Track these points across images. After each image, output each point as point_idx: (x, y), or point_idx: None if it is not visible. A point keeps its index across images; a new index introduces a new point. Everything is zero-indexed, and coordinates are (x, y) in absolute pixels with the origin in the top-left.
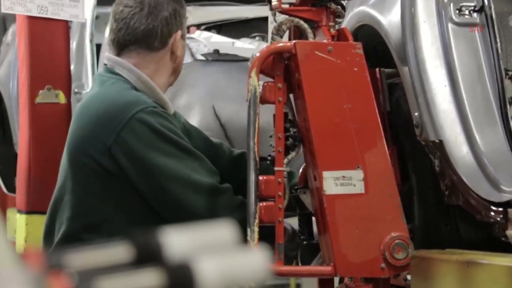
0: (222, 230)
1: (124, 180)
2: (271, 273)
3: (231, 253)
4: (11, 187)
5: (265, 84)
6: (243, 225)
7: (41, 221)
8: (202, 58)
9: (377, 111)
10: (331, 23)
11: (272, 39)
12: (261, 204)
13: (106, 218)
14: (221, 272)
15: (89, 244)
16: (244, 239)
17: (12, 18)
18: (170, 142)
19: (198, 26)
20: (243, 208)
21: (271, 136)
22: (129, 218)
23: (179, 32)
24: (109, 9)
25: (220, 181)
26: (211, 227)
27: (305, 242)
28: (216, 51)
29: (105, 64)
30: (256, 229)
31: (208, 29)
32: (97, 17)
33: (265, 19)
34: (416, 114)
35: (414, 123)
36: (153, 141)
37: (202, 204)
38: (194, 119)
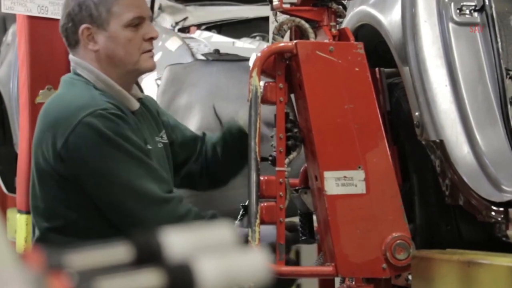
0: (222, 230)
1: (79, 183)
2: (271, 273)
3: (231, 253)
4: (11, 188)
5: (266, 84)
6: None
7: None
8: (203, 58)
9: (378, 111)
10: (332, 23)
11: (273, 39)
12: (262, 204)
13: (71, 222)
14: (221, 272)
15: (58, 246)
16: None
17: (13, 18)
18: (115, 147)
19: (199, 26)
20: (189, 217)
21: (272, 136)
22: (91, 221)
23: (85, 26)
24: None
25: (170, 189)
26: (211, 227)
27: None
28: (217, 51)
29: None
30: (258, 229)
31: (209, 29)
32: None
33: (265, 19)
34: (416, 114)
35: (415, 123)
36: (99, 146)
37: (143, 211)
38: (194, 119)
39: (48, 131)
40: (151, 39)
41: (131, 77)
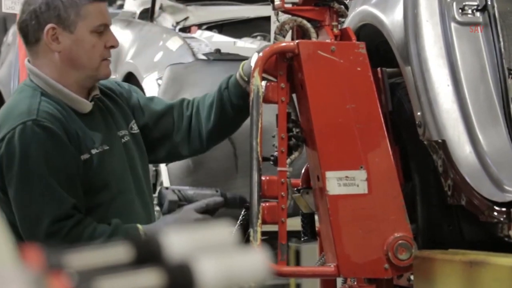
0: (222, 230)
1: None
2: (270, 273)
3: (231, 253)
4: None
5: (268, 84)
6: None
7: None
8: (204, 57)
9: (380, 111)
10: (334, 23)
11: (275, 38)
12: (263, 205)
13: (12, 223)
14: (221, 272)
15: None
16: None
17: (13, 18)
18: (29, 165)
19: (200, 26)
20: (84, 240)
21: (273, 136)
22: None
23: (51, 26)
24: (110, 10)
25: (70, 214)
26: (211, 227)
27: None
28: (218, 51)
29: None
30: (259, 229)
31: (210, 28)
32: None
33: (266, 18)
34: (418, 113)
35: (417, 122)
36: (16, 161)
37: (35, 236)
38: None
39: None
40: (112, 47)
41: (89, 82)
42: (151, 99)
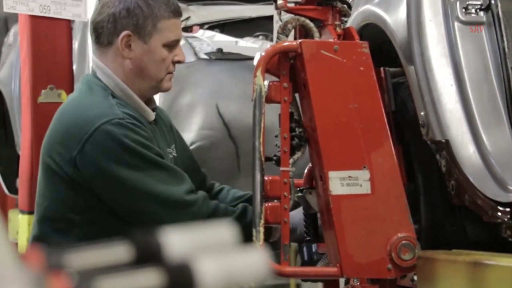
0: (222, 230)
1: (90, 189)
2: (270, 273)
3: (231, 253)
4: (13, 188)
5: (271, 83)
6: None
7: None
8: (206, 57)
9: (383, 111)
10: (337, 22)
11: (278, 38)
12: (266, 205)
13: (74, 224)
14: (221, 272)
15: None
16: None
17: (14, 18)
18: (134, 154)
19: (201, 25)
20: (217, 215)
21: (276, 136)
22: (98, 225)
23: (127, 33)
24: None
25: (193, 189)
26: (211, 227)
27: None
28: (220, 50)
29: (92, 67)
30: (262, 229)
31: (212, 28)
32: None
33: (268, 18)
34: (422, 113)
35: (420, 122)
36: (117, 154)
37: (170, 216)
38: (197, 118)
39: (62, 135)
40: (178, 62)
41: (150, 92)
42: (187, 148)
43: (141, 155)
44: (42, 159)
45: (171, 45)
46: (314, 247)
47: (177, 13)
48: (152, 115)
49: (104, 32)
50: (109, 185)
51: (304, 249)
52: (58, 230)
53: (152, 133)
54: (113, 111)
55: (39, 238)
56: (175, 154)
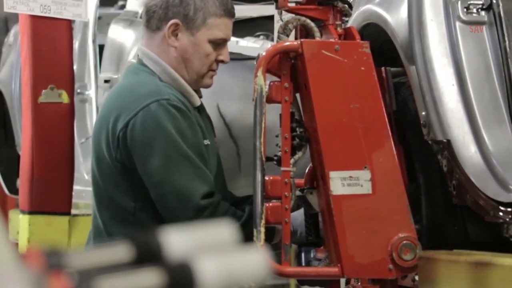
0: (222, 230)
1: (137, 174)
2: (270, 273)
3: (231, 253)
4: (13, 189)
5: (272, 83)
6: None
7: (44, 221)
8: None
9: (384, 111)
10: (338, 22)
11: (279, 38)
12: (267, 205)
13: (129, 211)
14: (221, 272)
15: (117, 238)
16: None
17: (15, 19)
18: (170, 142)
19: None
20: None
21: (277, 136)
22: (147, 212)
23: (175, 21)
24: (111, 10)
25: (212, 192)
26: (211, 227)
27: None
28: None
29: (138, 55)
30: (263, 229)
31: None
32: (99, 18)
33: (269, 18)
34: (423, 113)
35: (421, 122)
36: (154, 137)
37: (182, 211)
38: None
39: (110, 117)
40: (222, 61)
41: (192, 85)
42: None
43: (176, 144)
44: (94, 149)
45: (217, 43)
46: (312, 252)
47: (229, 13)
48: (198, 100)
49: (154, 17)
50: (141, 167)
51: (302, 254)
52: (115, 219)
53: (197, 118)
54: (160, 91)
55: (100, 228)
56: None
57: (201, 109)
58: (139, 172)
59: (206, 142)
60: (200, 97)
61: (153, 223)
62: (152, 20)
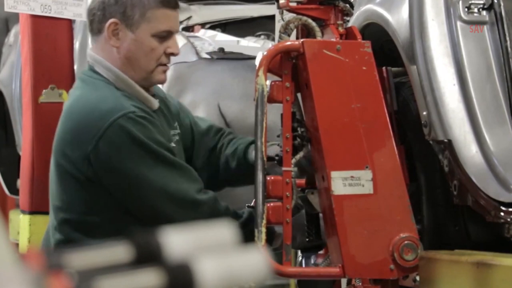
0: (222, 230)
1: (106, 188)
2: (270, 273)
3: (231, 253)
4: (14, 189)
5: (273, 83)
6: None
7: (44, 221)
8: (207, 56)
9: (386, 111)
10: (339, 22)
11: (280, 37)
12: (268, 205)
13: (95, 225)
14: (221, 272)
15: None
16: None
17: (15, 19)
18: (149, 152)
19: (203, 25)
20: (226, 215)
21: (278, 136)
22: (119, 224)
23: (113, 21)
24: None
25: (203, 188)
26: (211, 227)
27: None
28: (221, 50)
29: (88, 61)
30: (264, 229)
31: (213, 27)
32: None
33: (270, 17)
34: (424, 113)
35: (422, 122)
36: (131, 150)
37: (181, 214)
38: None
39: (74, 133)
40: (172, 54)
41: (143, 83)
42: (188, 111)
43: (155, 153)
44: (54, 162)
45: (161, 36)
46: (313, 258)
47: (168, 4)
48: (155, 103)
49: (95, 20)
50: (122, 182)
51: (303, 261)
52: (81, 232)
53: (160, 123)
54: (123, 105)
55: (65, 241)
56: (178, 131)
57: (161, 107)
58: (120, 190)
59: (172, 145)
60: (154, 96)
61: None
62: (94, 24)
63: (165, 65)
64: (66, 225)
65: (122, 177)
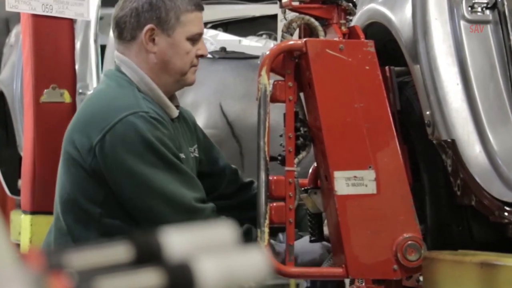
0: (222, 230)
1: (107, 180)
2: (270, 273)
3: (231, 253)
4: (15, 190)
5: (276, 82)
6: None
7: (46, 221)
8: (209, 56)
9: (389, 110)
10: (342, 21)
11: (282, 37)
12: (271, 205)
13: (95, 217)
14: (221, 272)
15: (80, 242)
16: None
17: (16, 19)
18: (154, 151)
19: (205, 24)
20: None
21: (281, 136)
22: (117, 220)
23: (150, 26)
24: (112, 10)
25: (205, 199)
26: (211, 227)
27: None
28: (223, 49)
29: (115, 62)
30: (267, 230)
31: (215, 27)
32: (101, 18)
33: (272, 17)
34: (427, 112)
35: (426, 122)
36: (136, 147)
37: (176, 218)
38: (201, 117)
39: (85, 123)
40: (201, 56)
41: (175, 87)
42: (213, 145)
43: (160, 153)
44: (63, 149)
45: (194, 39)
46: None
47: (199, 7)
48: (175, 112)
49: (127, 27)
50: (123, 178)
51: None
52: (80, 222)
53: (174, 131)
54: (139, 104)
55: (64, 230)
56: (197, 155)
57: (181, 118)
58: (117, 184)
59: (182, 155)
60: (178, 106)
61: (119, 229)
62: (125, 31)
63: (195, 66)
64: (67, 214)
65: (122, 172)
